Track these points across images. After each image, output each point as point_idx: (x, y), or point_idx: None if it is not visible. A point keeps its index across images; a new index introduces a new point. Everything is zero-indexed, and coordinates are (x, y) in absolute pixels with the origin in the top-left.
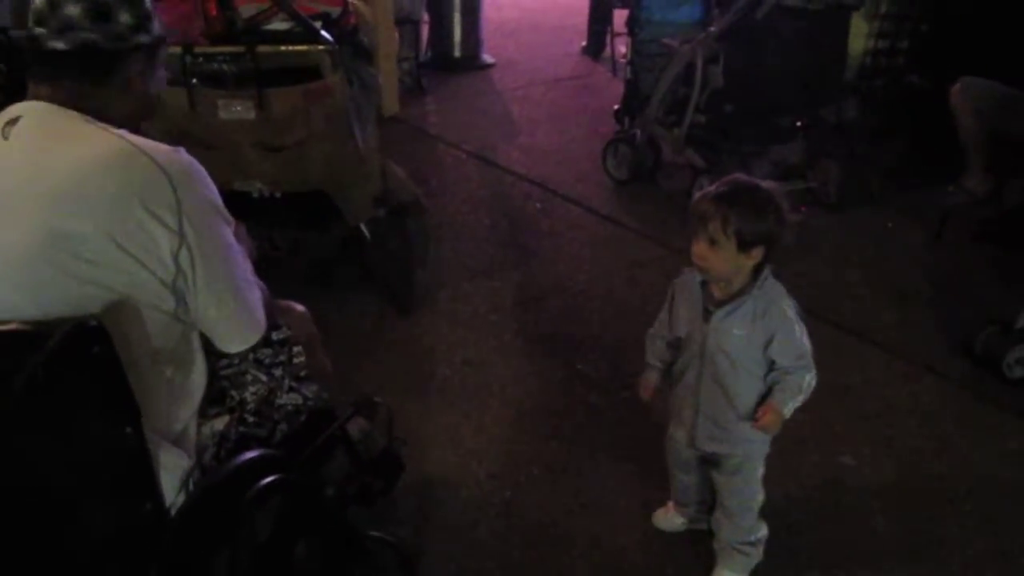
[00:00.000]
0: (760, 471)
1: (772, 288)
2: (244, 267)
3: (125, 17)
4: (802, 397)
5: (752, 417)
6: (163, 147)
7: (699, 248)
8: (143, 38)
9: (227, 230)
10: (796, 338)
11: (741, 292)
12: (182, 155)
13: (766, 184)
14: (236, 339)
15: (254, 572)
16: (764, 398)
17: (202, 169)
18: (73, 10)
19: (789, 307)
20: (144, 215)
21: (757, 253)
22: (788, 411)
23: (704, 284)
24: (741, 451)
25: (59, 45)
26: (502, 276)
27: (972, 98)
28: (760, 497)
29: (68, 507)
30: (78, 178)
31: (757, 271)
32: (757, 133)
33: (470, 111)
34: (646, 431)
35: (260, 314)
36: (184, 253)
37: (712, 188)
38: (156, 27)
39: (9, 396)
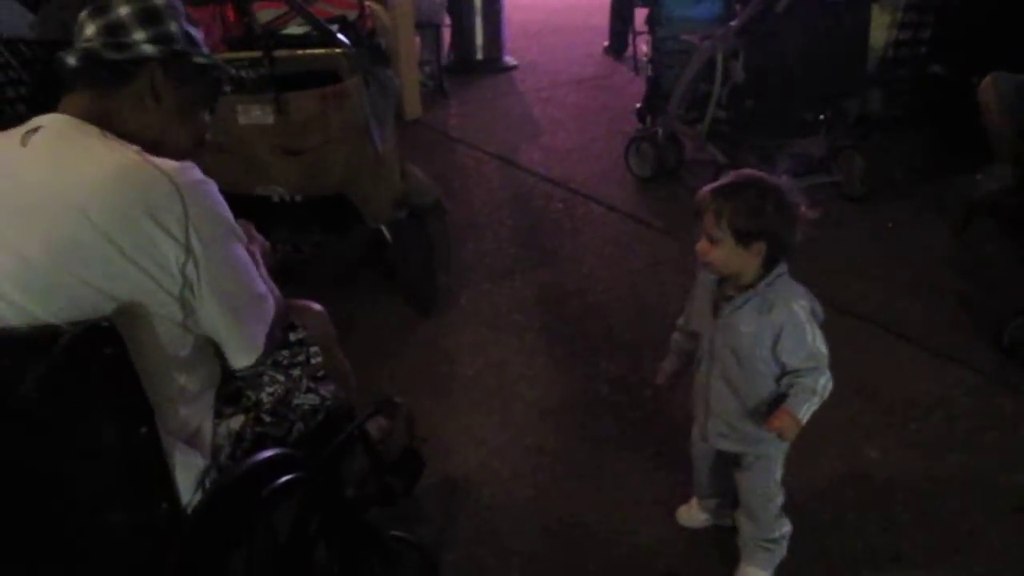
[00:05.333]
0: (778, 472)
1: (784, 286)
2: (253, 284)
3: (140, 34)
4: (817, 400)
5: (763, 418)
6: (174, 162)
7: (700, 244)
8: (154, 51)
9: (237, 246)
10: (806, 339)
11: (749, 288)
12: (194, 171)
13: (774, 178)
14: (240, 355)
15: (273, 572)
16: (779, 401)
17: (213, 185)
18: (90, 28)
19: (801, 307)
20: (151, 227)
21: (759, 247)
22: (803, 415)
23: (720, 280)
24: (753, 450)
25: (71, 61)
26: (524, 276)
27: (1003, 93)
28: (780, 498)
29: (84, 507)
30: (88, 190)
31: (769, 267)
32: (779, 127)
33: (492, 113)
34: (669, 429)
35: (262, 336)
36: (190, 266)
37: (715, 182)
38: (179, 46)
39: (22, 397)
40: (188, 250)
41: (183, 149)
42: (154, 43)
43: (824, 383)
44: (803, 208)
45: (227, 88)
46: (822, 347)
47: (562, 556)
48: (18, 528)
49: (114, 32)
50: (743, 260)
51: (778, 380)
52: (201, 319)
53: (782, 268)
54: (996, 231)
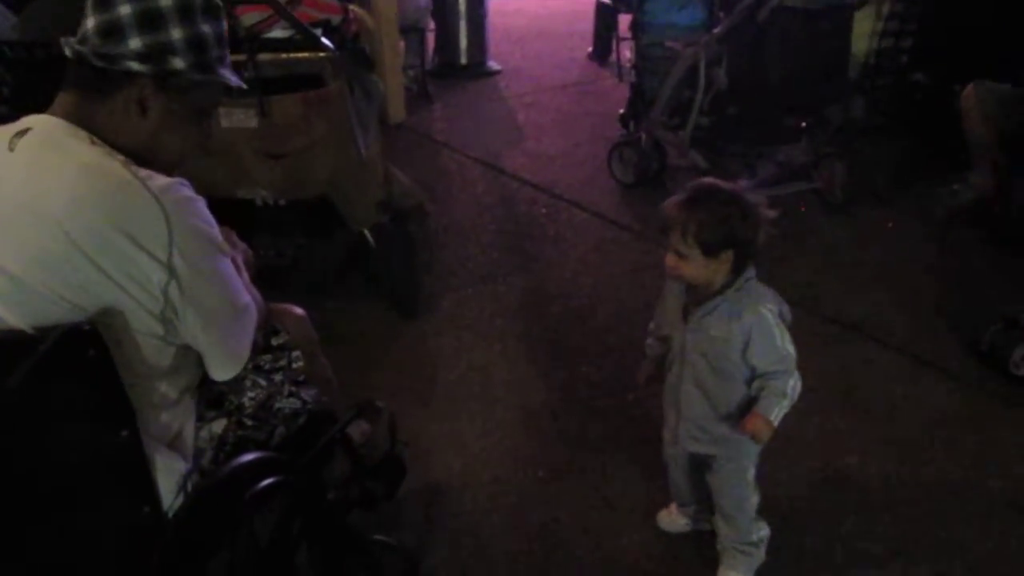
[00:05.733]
0: (750, 472)
1: (753, 290)
2: (237, 296)
3: (135, 42)
4: (787, 402)
5: (734, 420)
6: (163, 180)
7: (669, 258)
8: (143, 68)
9: (222, 261)
10: (775, 342)
11: (718, 293)
12: (182, 189)
13: (733, 185)
14: (223, 369)
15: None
16: (750, 403)
17: (202, 202)
18: (89, 23)
19: (769, 311)
20: (132, 248)
21: (727, 256)
22: (775, 417)
23: (689, 285)
24: (724, 452)
25: (67, 52)
26: (507, 281)
27: (986, 101)
28: (754, 499)
29: (65, 510)
30: (68, 203)
31: (737, 272)
32: (761, 134)
33: (476, 118)
34: (650, 433)
35: (246, 347)
36: (173, 286)
37: (676, 196)
38: (178, 62)
39: (3, 399)
40: (171, 271)
41: (173, 159)
42: (145, 59)
43: (793, 384)
44: (763, 209)
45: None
46: (791, 349)
47: (543, 560)
48: None
49: (109, 34)
50: (712, 270)
51: (749, 383)
52: (183, 334)
53: (750, 272)
54: (975, 238)
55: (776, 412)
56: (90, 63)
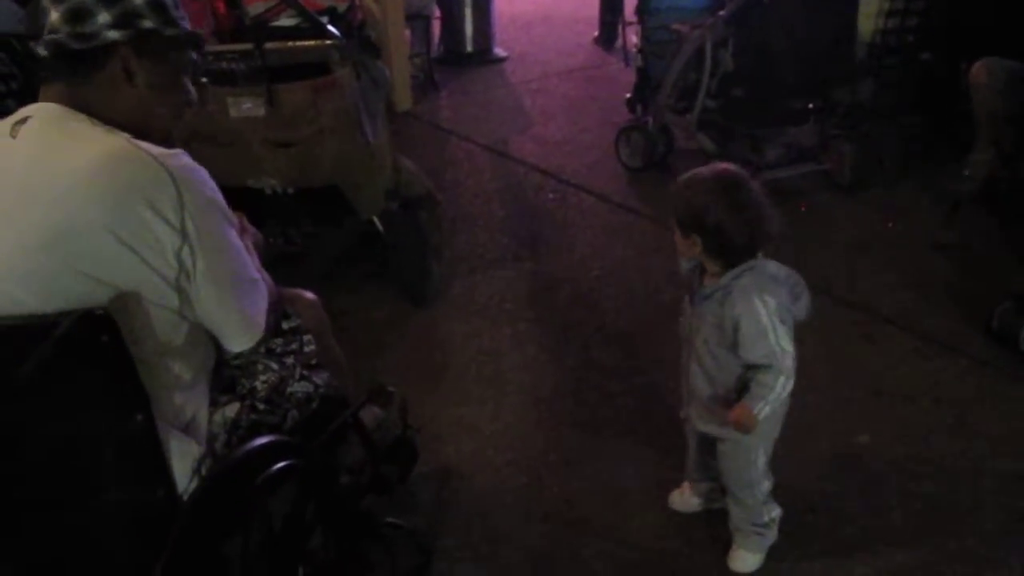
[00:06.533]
0: (760, 459)
1: (752, 280)
2: (247, 267)
3: (104, 16)
4: (774, 397)
5: (733, 405)
6: (164, 150)
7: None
8: (120, 35)
9: (231, 230)
10: (765, 336)
11: (716, 278)
12: (184, 157)
13: (746, 180)
14: (237, 339)
15: (269, 559)
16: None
17: (204, 170)
18: (53, 15)
19: (764, 303)
20: (147, 212)
21: (695, 240)
22: (760, 411)
23: (697, 268)
24: (731, 435)
25: (41, 51)
26: (516, 266)
27: (995, 77)
28: (765, 484)
29: (80, 494)
30: (81, 176)
31: (723, 261)
32: (768, 116)
33: (483, 105)
34: (661, 416)
35: (261, 316)
36: (186, 251)
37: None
38: (148, 23)
39: (19, 385)
40: (184, 236)
41: (168, 124)
42: (119, 27)
43: (783, 382)
44: (769, 217)
45: (201, 54)
46: (785, 346)
47: (555, 542)
48: (15, 514)
49: (77, 18)
50: (687, 247)
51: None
52: (197, 305)
53: (753, 263)
54: (984, 218)
55: (760, 406)
56: (68, 49)
